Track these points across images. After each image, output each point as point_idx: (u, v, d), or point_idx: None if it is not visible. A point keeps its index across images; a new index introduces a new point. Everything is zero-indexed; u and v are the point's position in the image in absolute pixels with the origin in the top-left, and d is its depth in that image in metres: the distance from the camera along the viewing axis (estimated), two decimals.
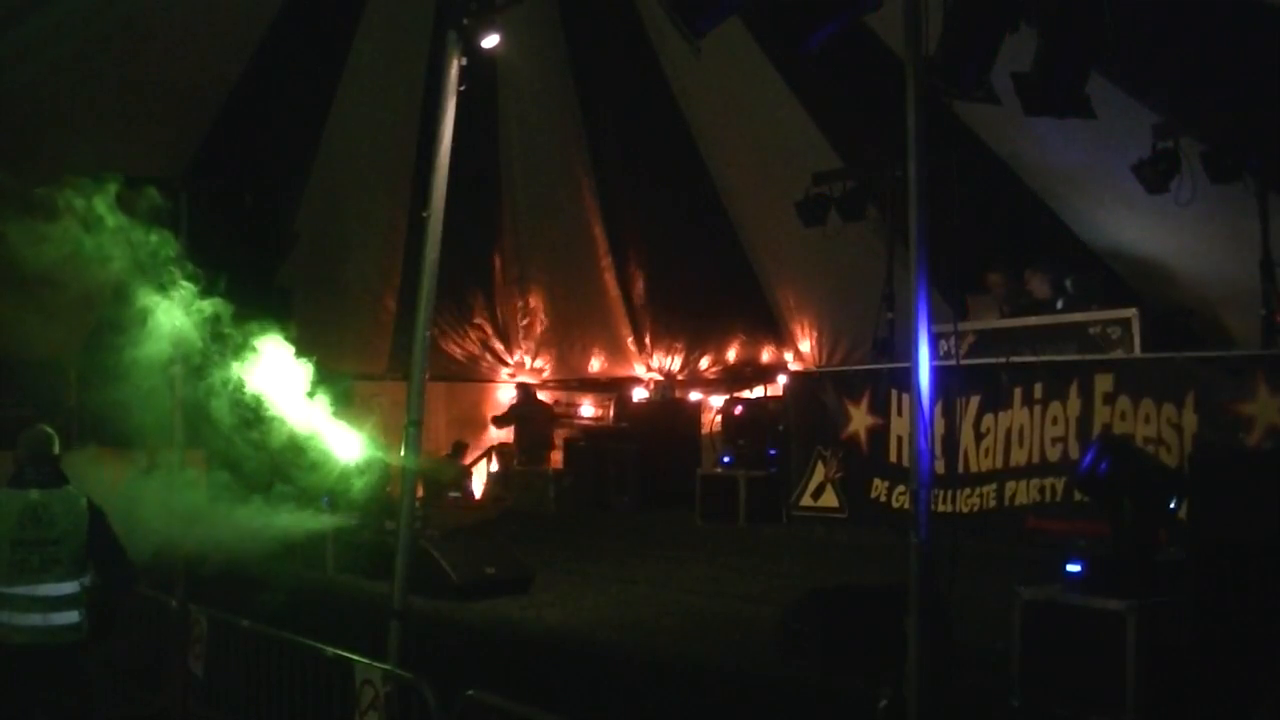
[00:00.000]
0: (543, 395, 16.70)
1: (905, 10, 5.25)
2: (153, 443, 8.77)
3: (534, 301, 16.32)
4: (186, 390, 8.06)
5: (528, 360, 16.76)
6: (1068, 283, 10.00)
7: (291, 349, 7.76)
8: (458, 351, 16.22)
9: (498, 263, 15.92)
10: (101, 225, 7.09)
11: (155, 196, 7.56)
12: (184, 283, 7.51)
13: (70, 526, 5.81)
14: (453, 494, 14.68)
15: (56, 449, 6.05)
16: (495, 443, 16.36)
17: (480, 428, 16.55)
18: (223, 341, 7.69)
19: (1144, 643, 5.21)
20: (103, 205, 7.10)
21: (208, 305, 7.55)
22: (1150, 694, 5.19)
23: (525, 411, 15.90)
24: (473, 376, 16.75)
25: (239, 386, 7.75)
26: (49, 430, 6.09)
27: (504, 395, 16.83)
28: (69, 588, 5.79)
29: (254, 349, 7.67)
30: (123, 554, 6.02)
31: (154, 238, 7.31)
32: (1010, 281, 10.65)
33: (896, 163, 10.23)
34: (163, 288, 7.43)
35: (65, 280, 7.12)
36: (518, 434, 15.71)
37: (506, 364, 16.76)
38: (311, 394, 7.77)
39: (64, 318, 8.09)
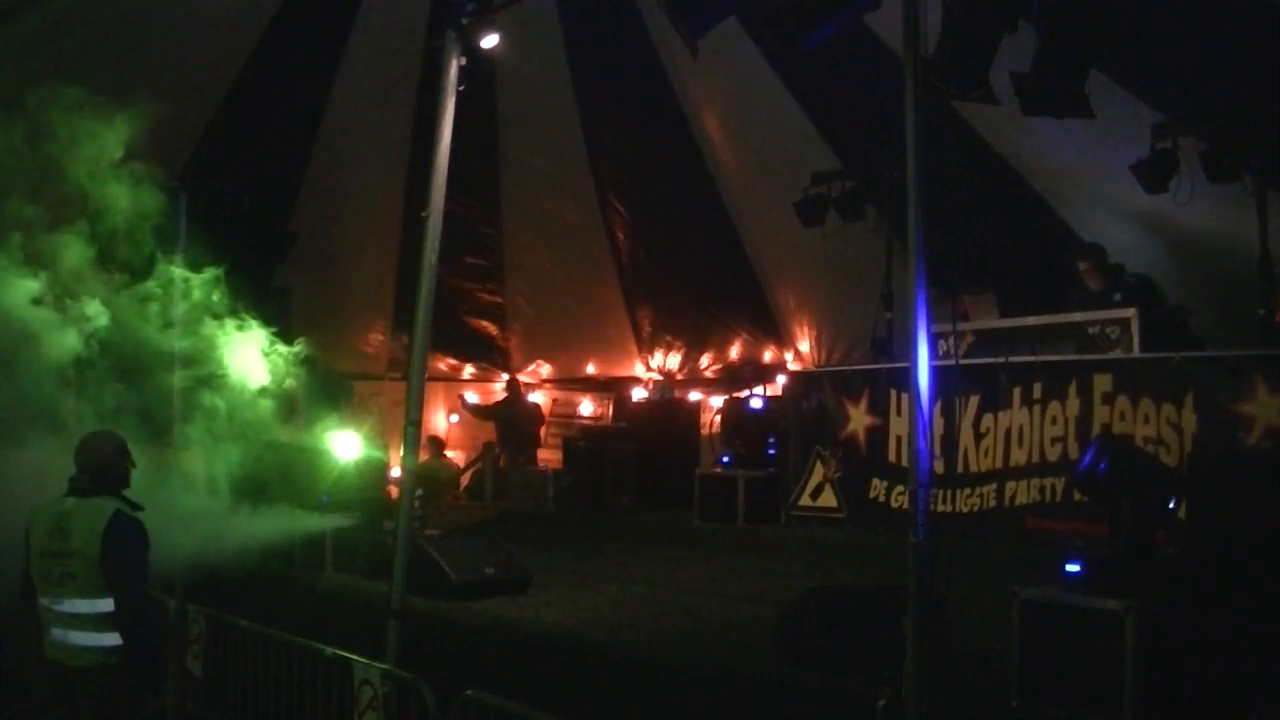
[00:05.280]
0: (541, 395, 16.69)
1: (904, 10, 5.24)
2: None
3: (533, 301, 16.31)
4: (184, 387, 8.05)
5: (525, 360, 16.75)
6: (1132, 278, 9.77)
7: (290, 348, 7.77)
8: (455, 351, 16.21)
9: (497, 262, 15.92)
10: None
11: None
12: (184, 276, 7.51)
13: (82, 541, 5.32)
14: (452, 491, 14.68)
15: (107, 453, 5.55)
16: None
17: (476, 427, 16.56)
18: (222, 338, 7.70)
19: (1142, 643, 5.19)
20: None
21: (208, 298, 7.56)
22: (1148, 694, 5.18)
23: (511, 411, 15.80)
24: (471, 377, 16.73)
25: (238, 383, 7.76)
26: (104, 434, 5.73)
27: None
28: (91, 605, 5.33)
29: (252, 346, 7.68)
30: (131, 584, 5.39)
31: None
32: (1000, 299, 10.64)
33: (895, 162, 10.21)
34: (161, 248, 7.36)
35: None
36: (501, 432, 15.65)
37: (505, 364, 16.74)
38: (311, 393, 7.77)
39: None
